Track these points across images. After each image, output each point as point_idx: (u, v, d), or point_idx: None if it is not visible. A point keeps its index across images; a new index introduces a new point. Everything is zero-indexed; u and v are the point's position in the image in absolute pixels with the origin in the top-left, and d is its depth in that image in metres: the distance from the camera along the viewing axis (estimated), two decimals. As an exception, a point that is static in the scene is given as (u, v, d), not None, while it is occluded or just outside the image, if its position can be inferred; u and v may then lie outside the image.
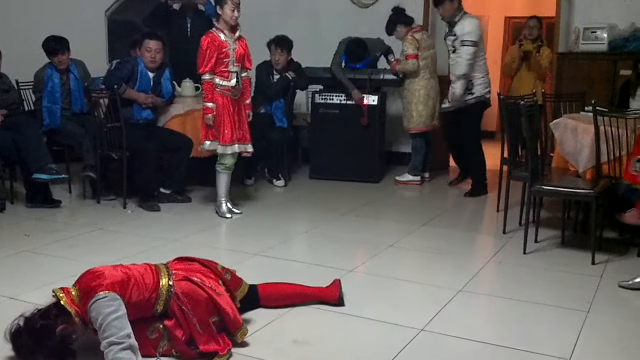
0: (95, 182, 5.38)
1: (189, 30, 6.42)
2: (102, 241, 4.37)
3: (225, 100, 4.81)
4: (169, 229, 4.66)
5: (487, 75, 5.93)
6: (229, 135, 4.82)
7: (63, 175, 5.08)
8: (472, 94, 5.85)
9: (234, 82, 4.83)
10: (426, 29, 6.58)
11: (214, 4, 4.97)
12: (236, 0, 4.73)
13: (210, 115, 4.78)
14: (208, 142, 4.86)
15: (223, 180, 4.99)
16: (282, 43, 6.07)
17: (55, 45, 5.59)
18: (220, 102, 4.80)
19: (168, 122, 5.51)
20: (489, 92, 5.95)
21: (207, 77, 4.78)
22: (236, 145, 4.89)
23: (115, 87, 5.06)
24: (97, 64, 6.33)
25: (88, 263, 3.79)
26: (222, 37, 4.77)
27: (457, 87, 5.81)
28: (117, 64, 5.82)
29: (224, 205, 5.03)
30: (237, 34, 4.84)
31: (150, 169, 5.17)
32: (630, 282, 3.60)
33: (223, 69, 4.79)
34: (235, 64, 4.83)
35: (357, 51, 6.32)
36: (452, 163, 7.14)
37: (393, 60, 6.37)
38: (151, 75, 5.30)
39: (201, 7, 6.44)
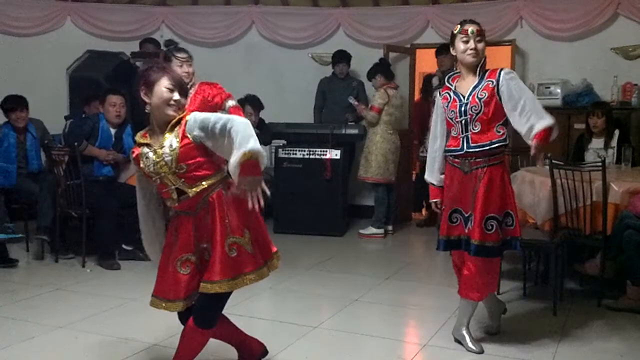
0: (52, 243, 5.26)
1: (151, 86, 6.42)
2: (60, 301, 4.25)
3: None
4: (128, 288, 4.55)
5: None
6: None
7: (19, 235, 5.02)
8: None
9: None
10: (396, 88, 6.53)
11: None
12: (180, 56, 4.25)
13: None
14: None
15: None
16: (256, 103, 6.29)
17: (13, 104, 5.57)
18: None
19: (130, 178, 5.46)
20: None
21: None
22: None
23: (76, 143, 5.02)
24: (59, 120, 6.27)
25: (45, 325, 3.73)
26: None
27: None
28: (70, 124, 5.79)
29: None
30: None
31: (110, 226, 5.08)
32: None
33: None
34: None
35: None
36: (415, 216, 7.31)
37: (360, 104, 6.48)
38: (112, 131, 5.28)
39: (164, 65, 6.47)
